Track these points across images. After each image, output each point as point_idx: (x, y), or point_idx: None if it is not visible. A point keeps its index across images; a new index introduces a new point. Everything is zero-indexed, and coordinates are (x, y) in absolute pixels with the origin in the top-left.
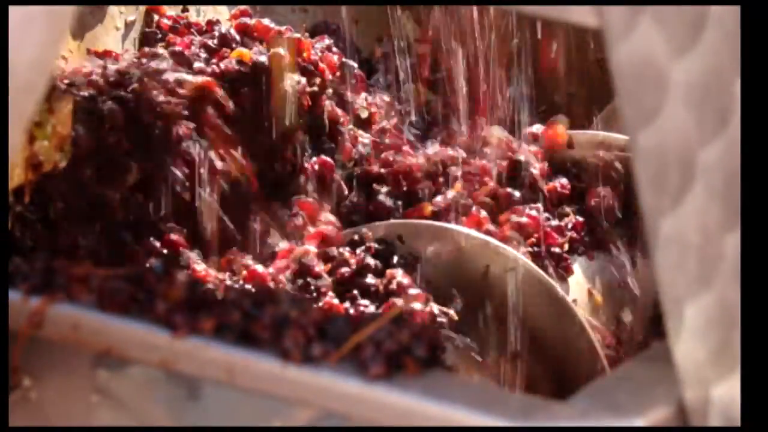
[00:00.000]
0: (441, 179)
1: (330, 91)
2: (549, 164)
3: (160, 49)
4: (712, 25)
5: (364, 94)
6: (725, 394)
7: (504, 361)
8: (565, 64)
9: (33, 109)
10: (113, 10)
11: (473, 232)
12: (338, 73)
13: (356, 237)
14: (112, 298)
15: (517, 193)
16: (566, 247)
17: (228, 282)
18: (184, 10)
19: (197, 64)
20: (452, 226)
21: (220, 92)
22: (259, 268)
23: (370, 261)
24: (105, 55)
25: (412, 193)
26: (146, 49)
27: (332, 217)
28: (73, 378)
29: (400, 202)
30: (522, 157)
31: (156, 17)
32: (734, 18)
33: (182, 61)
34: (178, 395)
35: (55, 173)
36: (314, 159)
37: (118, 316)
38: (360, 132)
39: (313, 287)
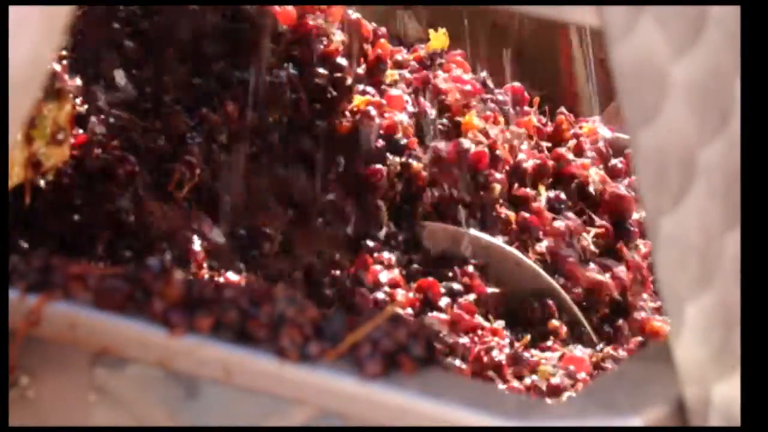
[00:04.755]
0: None
1: None
2: None
3: None
4: (712, 25)
5: None
6: (725, 394)
7: None
8: None
9: (29, 108)
10: None
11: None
12: None
13: None
14: (110, 296)
15: None
16: None
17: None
18: None
19: None
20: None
21: None
22: None
23: None
24: None
25: None
26: None
27: None
28: (71, 376)
29: None
30: None
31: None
32: (734, 18)
33: None
34: (176, 394)
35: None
36: None
37: (115, 315)
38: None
39: None
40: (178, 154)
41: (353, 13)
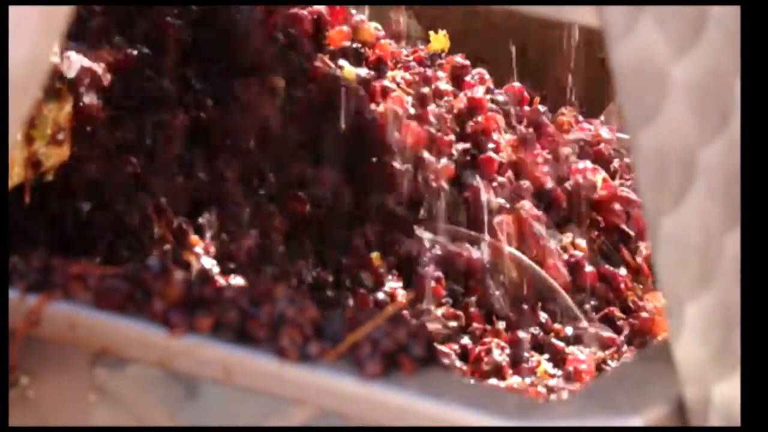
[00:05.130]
0: None
1: None
2: None
3: None
4: (712, 25)
5: None
6: (725, 394)
7: None
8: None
9: (28, 108)
10: None
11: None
12: None
13: None
14: (110, 296)
15: None
16: None
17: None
18: None
19: None
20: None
21: None
22: None
23: None
24: None
25: None
26: None
27: None
28: (71, 376)
29: None
30: None
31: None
32: (734, 18)
33: None
34: (176, 394)
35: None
36: None
37: (115, 315)
38: None
39: None
40: (181, 153)
41: (357, 15)
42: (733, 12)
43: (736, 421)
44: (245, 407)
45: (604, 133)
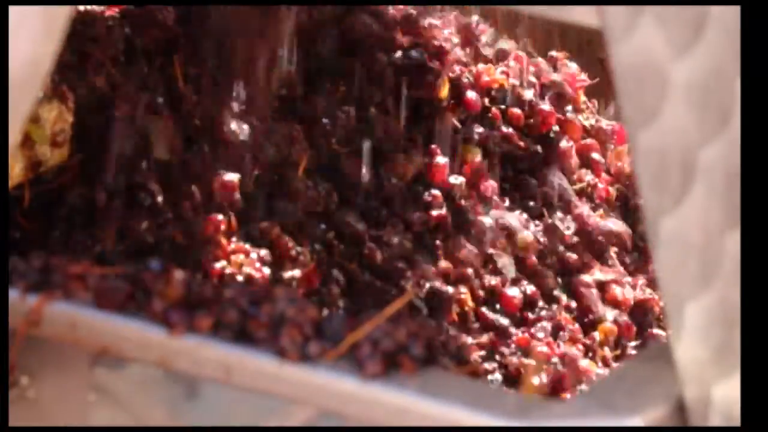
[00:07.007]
0: None
1: None
2: None
3: None
4: (713, 25)
5: None
6: (726, 394)
7: None
8: None
9: (29, 108)
10: None
11: None
12: None
13: None
14: (110, 296)
15: None
16: None
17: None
18: None
19: None
20: None
21: None
22: None
23: None
24: None
25: None
26: None
27: None
28: (71, 376)
29: None
30: None
31: None
32: (734, 18)
33: None
34: (176, 394)
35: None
36: None
37: (115, 315)
38: None
39: None
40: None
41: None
42: (733, 12)
43: (736, 421)
44: (245, 407)
45: None
